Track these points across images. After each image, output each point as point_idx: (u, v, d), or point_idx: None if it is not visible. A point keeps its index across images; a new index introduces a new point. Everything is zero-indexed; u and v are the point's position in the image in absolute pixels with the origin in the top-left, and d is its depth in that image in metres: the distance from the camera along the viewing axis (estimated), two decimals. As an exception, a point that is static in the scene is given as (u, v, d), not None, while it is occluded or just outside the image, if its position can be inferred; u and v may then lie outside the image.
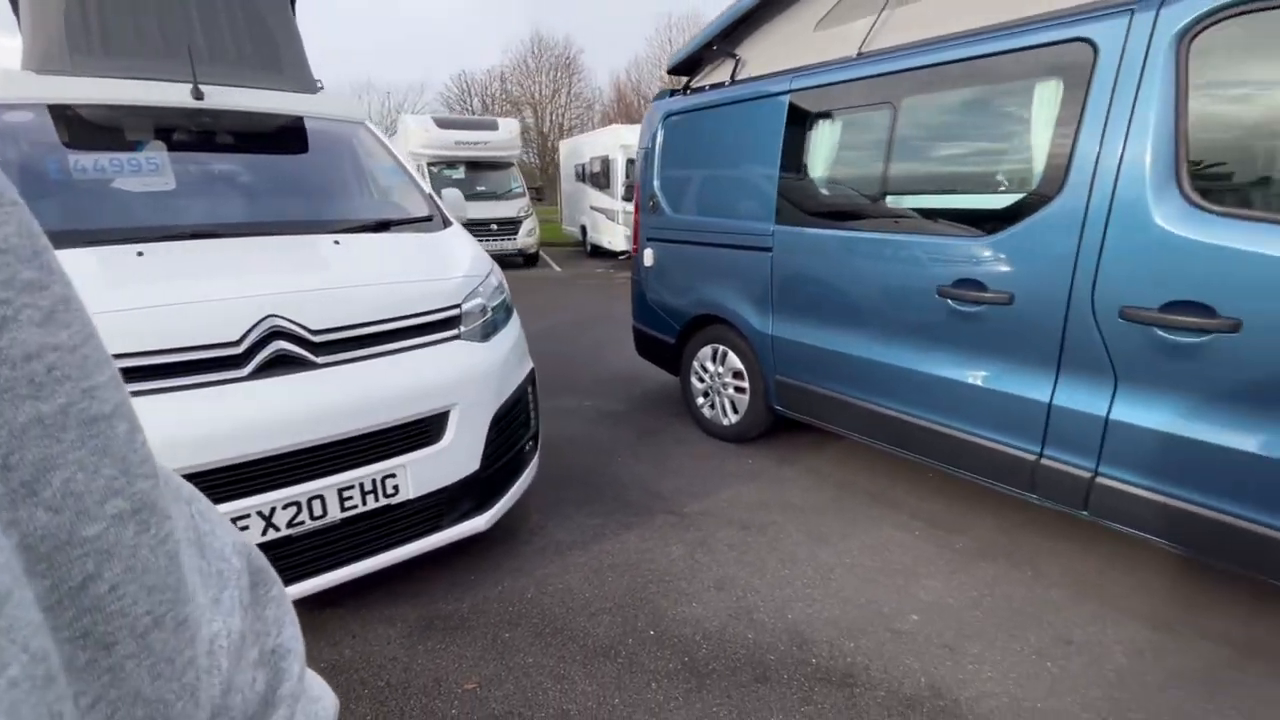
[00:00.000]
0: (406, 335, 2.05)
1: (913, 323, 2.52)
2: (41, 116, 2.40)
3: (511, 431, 2.34)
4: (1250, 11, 1.69)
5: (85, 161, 2.50)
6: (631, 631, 2.07)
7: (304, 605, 1.99)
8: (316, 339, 1.87)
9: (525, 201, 12.11)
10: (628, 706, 1.77)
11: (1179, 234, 1.80)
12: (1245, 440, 1.76)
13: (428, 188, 2.98)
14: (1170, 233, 1.82)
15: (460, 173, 11.99)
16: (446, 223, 2.80)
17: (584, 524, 2.73)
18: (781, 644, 2.01)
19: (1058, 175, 2.05)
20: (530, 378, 2.53)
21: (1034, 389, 2.18)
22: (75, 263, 1.86)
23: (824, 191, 2.89)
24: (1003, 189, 2.26)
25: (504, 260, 12.65)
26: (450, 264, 2.36)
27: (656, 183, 3.79)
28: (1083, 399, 2.07)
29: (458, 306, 2.20)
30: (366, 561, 1.95)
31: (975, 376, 2.35)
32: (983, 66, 2.25)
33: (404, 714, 1.76)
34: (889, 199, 2.62)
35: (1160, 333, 1.86)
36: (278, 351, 1.80)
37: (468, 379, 2.11)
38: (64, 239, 1.94)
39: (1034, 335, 2.15)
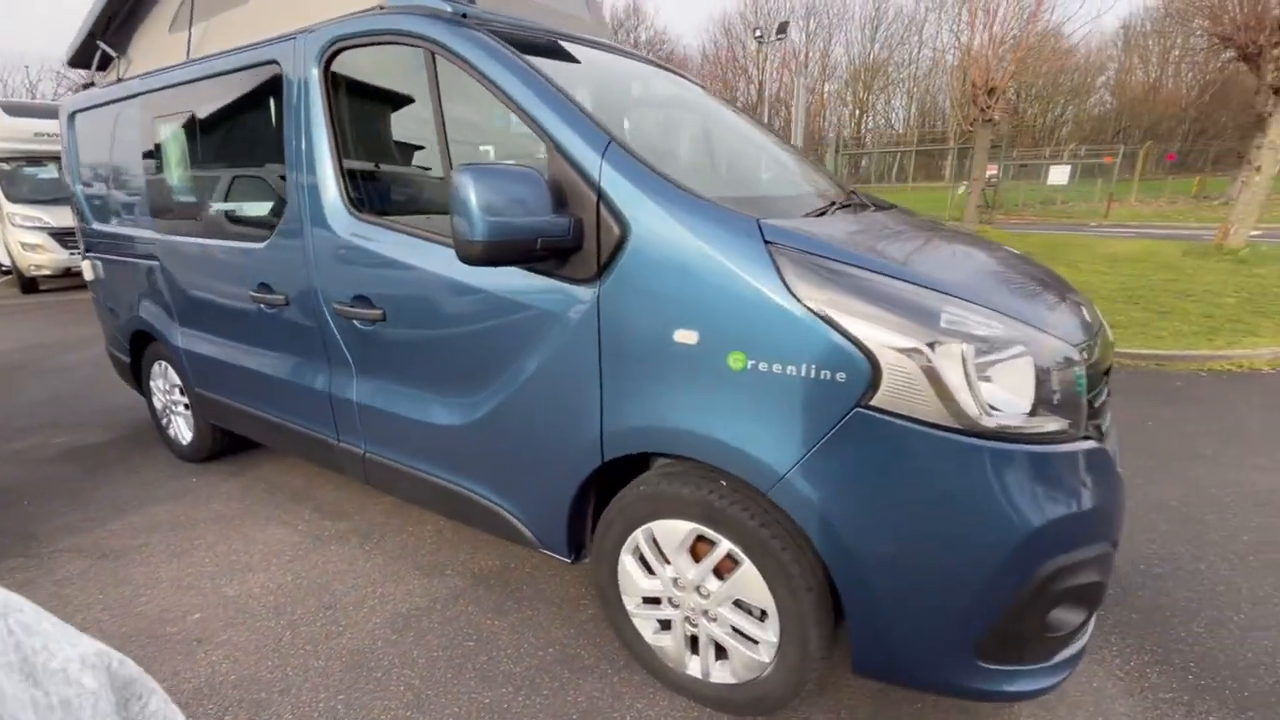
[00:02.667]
0: None
1: (246, 326, 2.59)
2: None
3: None
4: (354, 46, 1.99)
5: None
6: None
7: None
8: None
9: None
10: None
11: (346, 238, 2.07)
12: (414, 410, 2.10)
13: None
14: (342, 237, 2.08)
15: (51, 171, 9.81)
16: None
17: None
18: (-2, 681, 1.89)
19: (283, 185, 2.23)
20: None
21: (318, 381, 2.38)
22: None
23: (175, 199, 2.84)
24: (266, 197, 2.41)
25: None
26: None
27: (76, 188, 3.41)
28: (342, 387, 2.30)
29: None
30: None
31: (289, 373, 2.49)
32: (231, 81, 2.37)
33: None
34: (213, 205, 2.66)
35: (358, 325, 2.13)
36: None
37: None
38: None
39: (307, 333, 2.33)
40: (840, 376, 1.31)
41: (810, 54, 40.52)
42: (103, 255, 3.37)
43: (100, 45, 3.12)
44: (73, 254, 9.41)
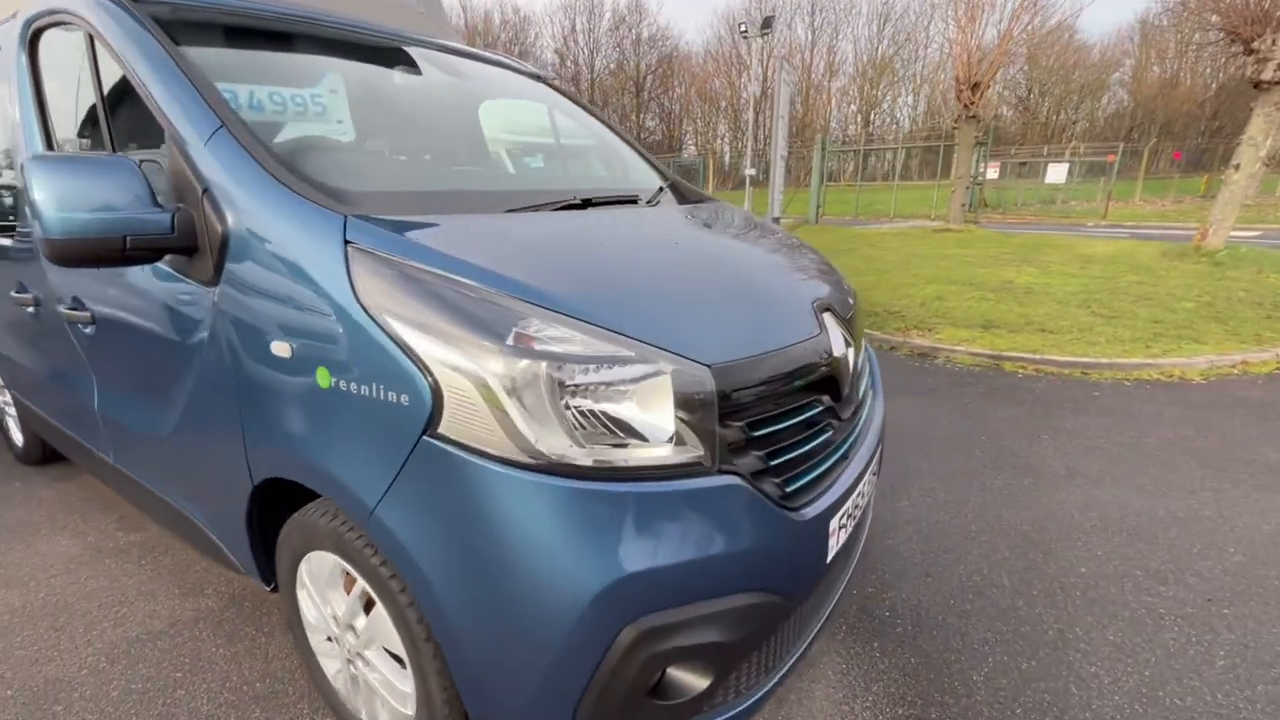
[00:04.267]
0: None
1: (22, 328, 2.46)
2: None
3: None
4: (47, 27, 1.83)
5: None
6: None
7: None
8: None
9: None
10: None
11: (59, 234, 1.92)
12: (135, 420, 1.94)
13: None
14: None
15: None
16: None
17: None
18: None
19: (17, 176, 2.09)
20: None
21: (76, 387, 2.23)
22: None
23: None
24: (8, 190, 2.27)
25: None
26: None
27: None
28: (89, 394, 2.15)
29: None
30: None
31: (58, 378, 2.36)
32: None
33: None
34: None
35: (81, 328, 1.98)
36: None
37: None
38: None
39: (59, 336, 2.19)
40: (404, 399, 1.13)
41: (815, 49, 39.97)
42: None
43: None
44: None
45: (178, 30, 1.59)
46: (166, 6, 1.64)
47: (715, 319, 1.33)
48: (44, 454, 3.22)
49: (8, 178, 2.36)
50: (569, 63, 42.92)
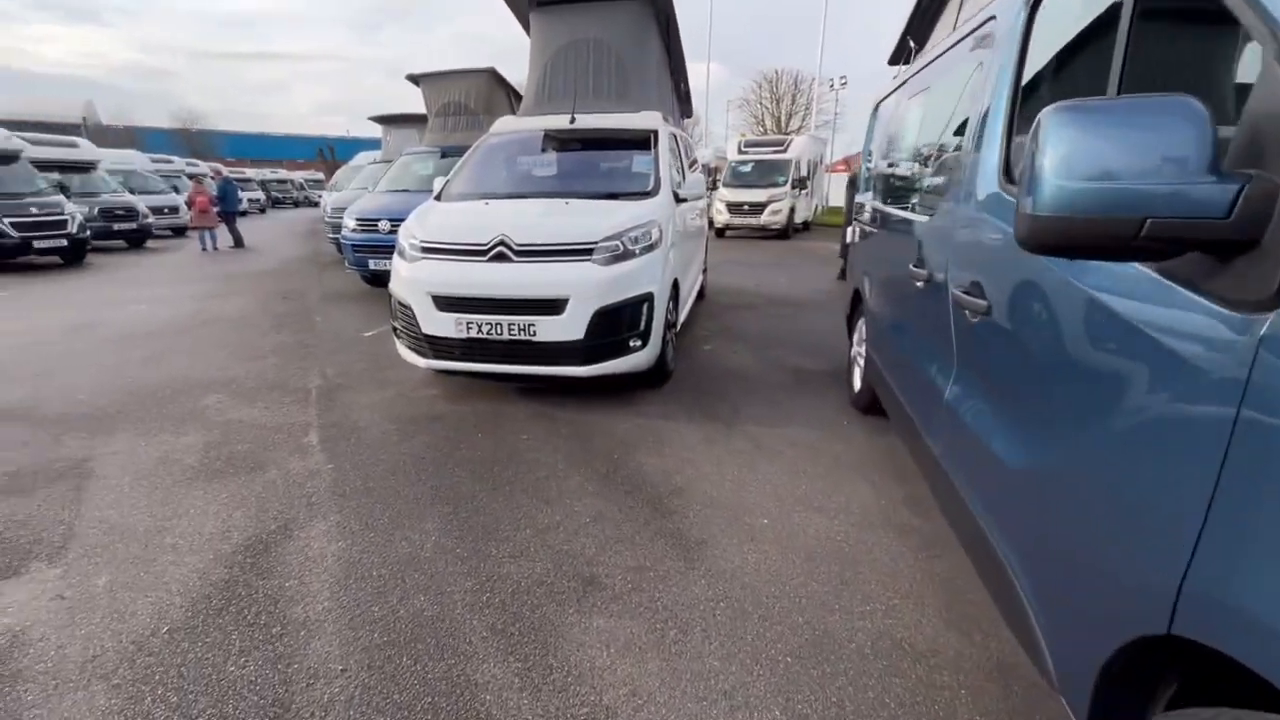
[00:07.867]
0: (558, 255, 3.68)
1: (900, 298, 2.64)
2: (513, 137, 5.11)
3: (614, 324, 3.68)
4: None
5: (522, 157, 5.09)
6: (612, 467, 3.26)
7: (492, 382, 4.01)
8: (517, 248, 3.71)
9: (781, 190, 15.49)
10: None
11: (979, 214, 1.77)
12: (982, 427, 1.70)
13: (663, 172, 4.43)
14: (977, 213, 1.79)
15: (749, 168, 16.48)
16: (655, 194, 4.24)
17: (664, 405, 3.88)
18: (664, 490, 2.86)
19: (958, 155, 2.05)
20: (644, 298, 3.76)
21: (933, 374, 2.22)
22: (467, 205, 4.28)
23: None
24: (938, 169, 2.24)
25: (753, 230, 15.77)
26: (609, 220, 3.82)
27: (865, 166, 4.15)
28: (939, 382, 2.08)
29: (592, 243, 3.68)
30: (515, 366, 3.75)
31: (919, 354, 2.42)
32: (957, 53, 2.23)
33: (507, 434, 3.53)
34: (914, 182, 2.69)
35: (968, 315, 1.84)
36: (498, 252, 3.72)
37: (581, 283, 3.59)
38: (475, 196, 4.42)
39: (936, 319, 2.18)
40: None
41: None
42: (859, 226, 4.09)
43: (910, 42, 3.60)
44: (731, 217, 15.60)
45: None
46: None
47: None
48: (869, 406, 3.68)
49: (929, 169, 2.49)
50: None
